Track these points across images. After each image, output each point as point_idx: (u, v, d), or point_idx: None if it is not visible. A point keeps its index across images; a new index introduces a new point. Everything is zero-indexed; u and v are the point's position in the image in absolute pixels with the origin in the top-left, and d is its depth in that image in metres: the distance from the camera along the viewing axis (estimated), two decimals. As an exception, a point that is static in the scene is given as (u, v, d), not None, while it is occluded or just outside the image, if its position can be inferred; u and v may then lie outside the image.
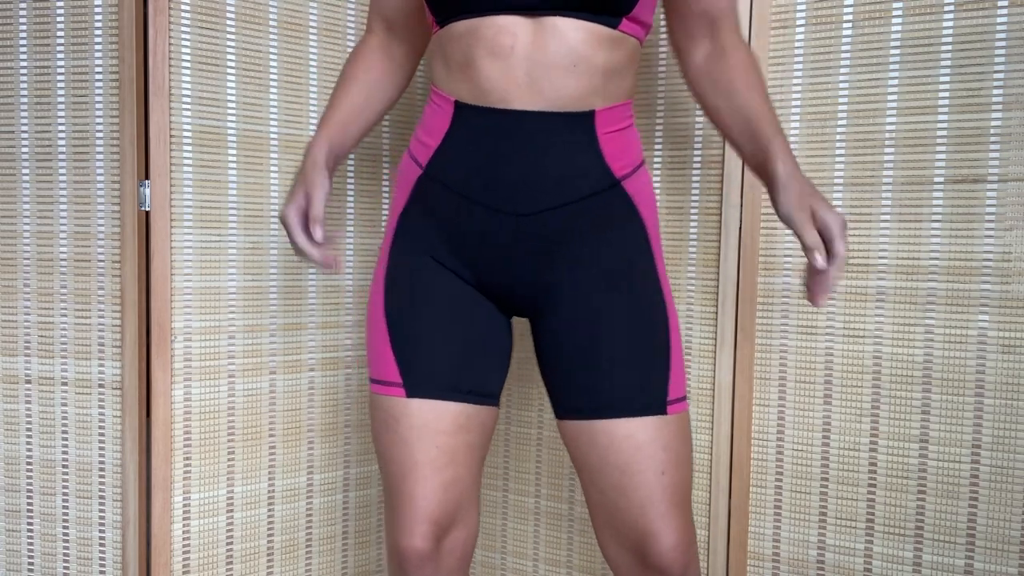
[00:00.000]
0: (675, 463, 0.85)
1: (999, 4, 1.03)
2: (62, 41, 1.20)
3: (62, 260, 1.23)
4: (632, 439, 0.84)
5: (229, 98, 1.22)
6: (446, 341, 0.89)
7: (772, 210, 1.18)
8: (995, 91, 1.04)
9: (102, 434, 1.23)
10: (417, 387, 0.87)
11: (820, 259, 0.78)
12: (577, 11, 0.82)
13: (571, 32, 0.83)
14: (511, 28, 0.83)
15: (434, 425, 0.87)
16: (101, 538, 1.24)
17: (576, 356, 0.87)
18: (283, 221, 0.88)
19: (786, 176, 0.83)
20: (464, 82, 0.87)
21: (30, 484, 1.26)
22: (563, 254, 0.88)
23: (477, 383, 0.89)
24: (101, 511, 1.24)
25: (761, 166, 0.87)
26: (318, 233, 0.85)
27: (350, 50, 1.31)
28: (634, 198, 0.90)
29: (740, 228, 1.19)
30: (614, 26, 0.85)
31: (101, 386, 1.23)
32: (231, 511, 1.27)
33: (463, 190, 0.87)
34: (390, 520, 0.90)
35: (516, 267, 0.89)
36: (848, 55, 1.12)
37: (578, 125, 0.86)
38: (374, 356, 0.91)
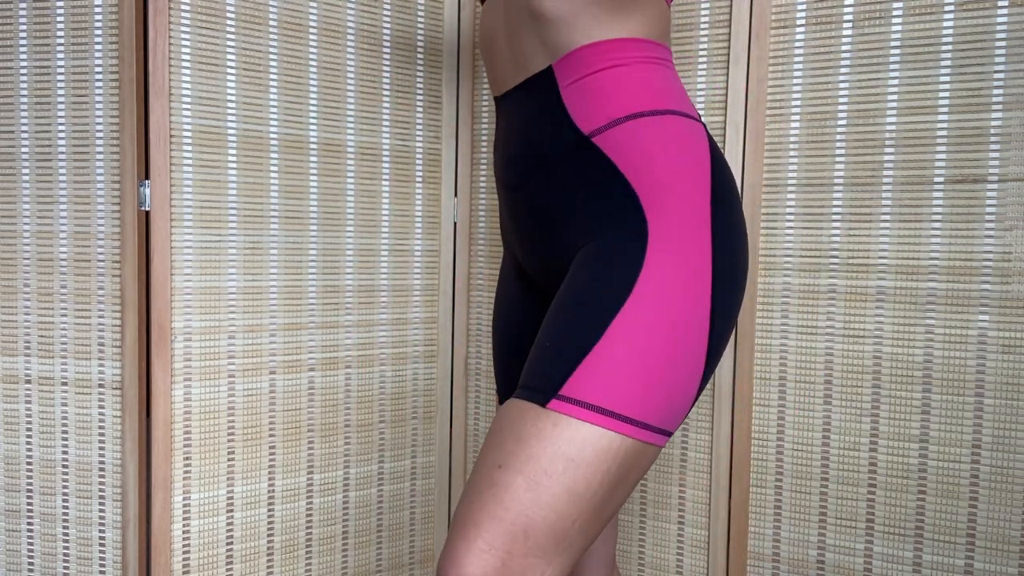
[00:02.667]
0: (530, 476, 0.62)
1: (999, 4, 1.03)
2: (62, 41, 1.20)
3: (62, 260, 1.23)
4: (497, 421, 0.67)
5: (229, 98, 1.22)
6: None
7: (772, 210, 1.18)
8: (995, 91, 1.04)
9: (102, 434, 1.23)
10: None
11: None
12: None
13: None
14: (493, 6, 0.85)
15: None
16: (101, 538, 1.24)
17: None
18: None
19: None
20: (488, 77, 0.90)
21: (30, 484, 1.26)
22: (557, 230, 0.77)
23: None
24: (101, 511, 1.24)
25: None
26: None
27: (350, 50, 1.31)
28: (613, 157, 0.73)
29: (740, 228, 1.19)
30: None
31: (101, 386, 1.23)
32: (231, 511, 1.27)
33: (498, 186, 0.89)
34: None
35: (525, 247, 0.84)
36: (848, 55, 1.12)
37: (540, 84, 0.79)
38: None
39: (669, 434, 0.68)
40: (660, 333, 0.65)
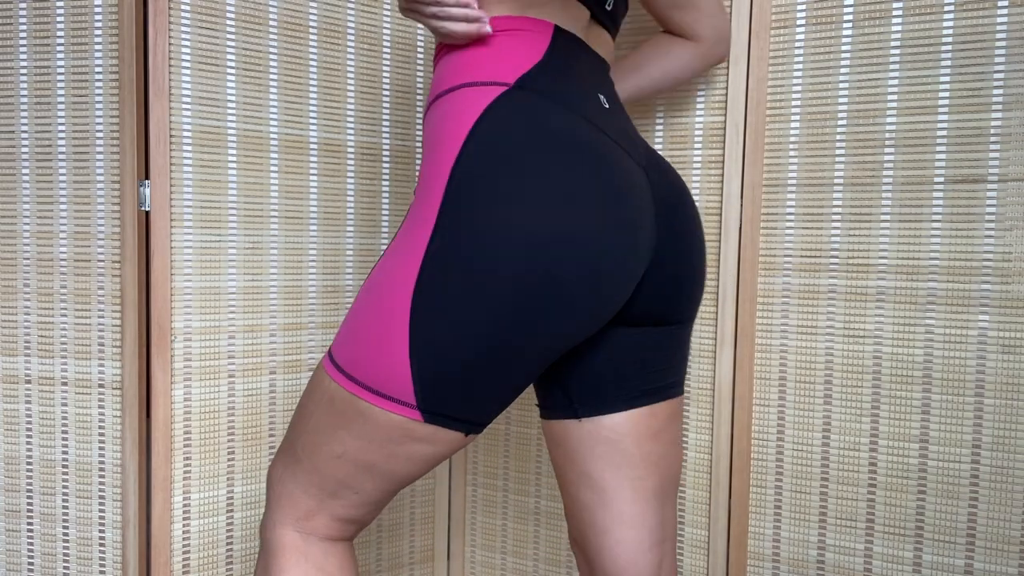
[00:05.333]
0: (298, 411, 0.79)
1: (999, 4, 1.03)
2: (62, 41, 1.20)
3: (62, 260, 1.23)
4: None
5: (229, 98, 1.22)
6: None
7: (772, 210, 1.18)
8: (995, 91, 1.04)
9: (102, 434, 1.23)
10: None
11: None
12: None
13: None
14: None
15: None
16: (101, 538, 1.24)
17: None
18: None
19: None
20: None
21: (30, 484, 1.26)
22: None
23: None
24: (101, 511, 1.24)
25: None
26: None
27: (350, 50, 1.31)
28: (426, 132, 0.76)
29: (740, 228, 1.19)
30: None
31: (101, 386, 1.23)
32: (231, 511, 1.27)
33: None
34: None
35: None
36: (848, 55, 1.12)
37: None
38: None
39: (386, 397, 0.71)
40: (363, 295, 0.74)
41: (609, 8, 0.86)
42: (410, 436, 0.73)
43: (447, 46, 0.79)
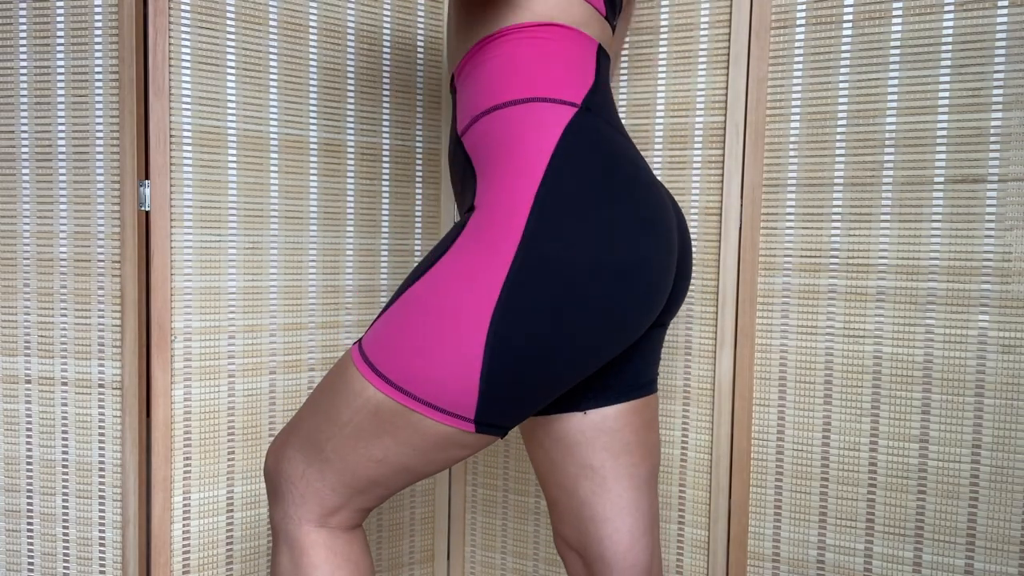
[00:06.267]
0: (313, 394, 0.80)
1: (999, 4, 1.03)
2: (62, 41, 1.20)
3: (62, 260, 1.23)
4: None
5: (229, 98, 1.22)
6: None
7: (772, 210, 1.18)
8: (995, 91, 1.04)
9: (102, 434, 1.23)
10: None
11: None
12: None
13: None
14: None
15: None
16: (101, 538, 1.24)
17: None
18: None
19: None
20: None
21: (30, 484, 1.26)
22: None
23: None
24: (101, 511, 1.24)
25: None
26: None
27: (350, 50, 1.31)
28: (471, 153, 0.76)
29: (740, 228, 1.19)
30: None
31: (101, 386, 1.23)
32: (231, 511, 1.27)
33: None
34: None
35: None
36: (848, 55, 1.12)
37: (452, 85, 0.86)
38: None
39: (443, 412, 0.71)
40: (421, 308, 0.71)
41: (614, 24, 0.89)
42: (456, 444, 0.74)
43: (489, 53, 0.78)
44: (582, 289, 0.68)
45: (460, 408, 0.70)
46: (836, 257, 1.14)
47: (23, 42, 1.21)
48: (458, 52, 0.83)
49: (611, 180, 0.71)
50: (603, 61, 0.81)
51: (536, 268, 0.67)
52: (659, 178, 1.25)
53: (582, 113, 0.74)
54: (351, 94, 1.32)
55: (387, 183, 1.37)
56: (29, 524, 1.26)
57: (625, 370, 0.84)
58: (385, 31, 1.34)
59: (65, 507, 1.25)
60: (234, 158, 1.23)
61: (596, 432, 0.83)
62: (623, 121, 1.27)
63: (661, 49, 1.24)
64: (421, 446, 0.73)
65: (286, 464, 0.80)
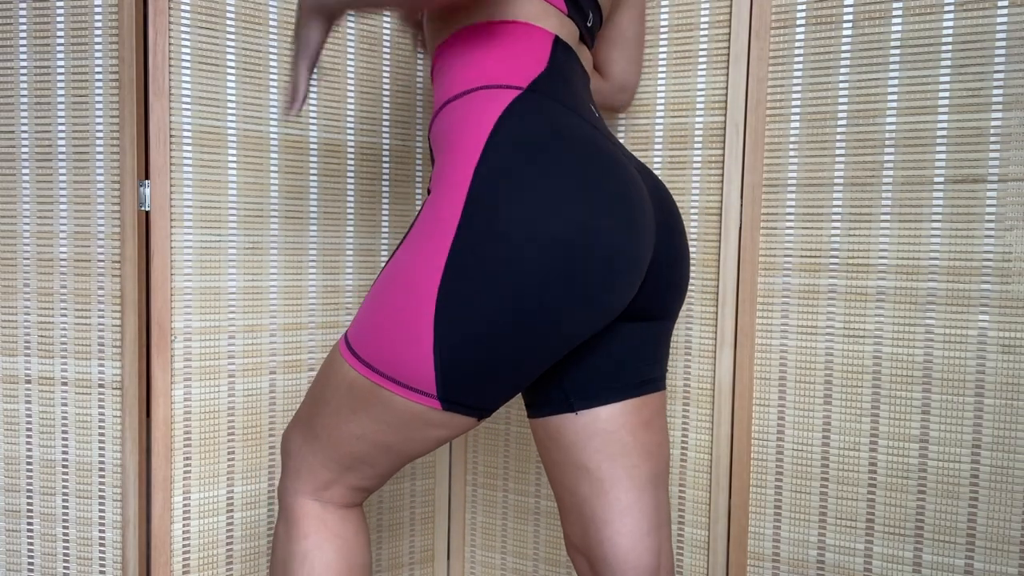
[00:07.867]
0: (315, 391, 0.84)
1: (999, 4, 1.03)
2: (62, 41, 1.20)
3: (62, 260, 1.23)
4: None
5: (229, 98, 1.22)
6: None
7: (772, 210, 1.18)
8: (995, 91, 1.04)
9: (102, 434, 1.23)
10: None
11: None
12: None
13: None
14: None
15: None
16: (101, 538, 1.24)
17: None
18: (301, 69, 0.80)
19: None
20: None
21: (30, 484, 1.26)
22: None
23: None
24: (101, 511, 1.24)
25: None
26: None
27: (350, 50, 1.31)
28: (433, 147, 0.80)
29: (740, 228, 1.19)
30: None
31: (101, 386, 1.23)
32: (231, 511, 1.27)
33: None
34: None
35: None
36: (848, 55, 1.12)
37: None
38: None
39: (408, 388, 0.74)
40: (384, 288, 0.75)
41: (589, 24, 0.90)
42: (427, 422, 0.77)
43: (449, 52, 0.82)
44: (517, 258, 0.69)
45: (422, 384, 0.73)
46: (836, 257, 1.14)
47: (23, 42, 1.21)
48: (431, 57, 0.88)
49: (549, 153, 0.71)
50: (560, 50, 0.82)
51: (473, 241, 0.69)
52: (659, 178, 1.25)
53: (526, 93, 0.76)
54: (351, 94, 1.32)
55: (387, 183, 1.37)
56: (29, 524, 1.26)
57: (617, 368, 0.83)
58: (385, 31, 1.34)
59: (65, 507, 1.25)
60: (234, 158, 1.23)
61: (589, 434, 0.84)
62: (623, 121, 1.27)
63: (661, 49, 1.24)
64: (394, 423, 0.77)
65: (287, 441, 0.87)
